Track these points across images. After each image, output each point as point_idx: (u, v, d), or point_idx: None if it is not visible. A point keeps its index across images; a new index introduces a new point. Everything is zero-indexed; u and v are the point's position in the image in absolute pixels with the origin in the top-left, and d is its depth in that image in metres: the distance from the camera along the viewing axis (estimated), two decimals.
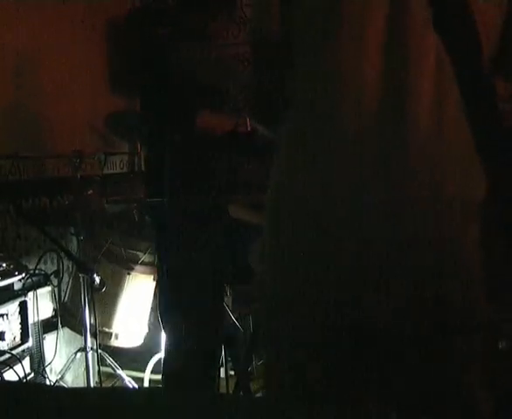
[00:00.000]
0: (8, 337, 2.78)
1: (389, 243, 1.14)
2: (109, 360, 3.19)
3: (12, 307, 2.83)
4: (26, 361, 2.88)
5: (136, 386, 3.24)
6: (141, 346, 3.39)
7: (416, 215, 1.13)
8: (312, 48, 1.24)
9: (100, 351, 3.04)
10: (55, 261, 3.48)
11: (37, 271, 3.15)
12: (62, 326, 3.23)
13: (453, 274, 1.15)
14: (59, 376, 3.20)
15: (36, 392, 1.06)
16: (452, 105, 1.15)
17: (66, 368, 3.19)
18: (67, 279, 3.43)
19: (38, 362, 2.98)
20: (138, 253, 3.24)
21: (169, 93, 2.47)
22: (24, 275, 2.91)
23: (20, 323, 2.88)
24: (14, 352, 2.78)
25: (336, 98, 1.19)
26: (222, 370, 2.90)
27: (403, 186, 1.14)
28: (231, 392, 2.75)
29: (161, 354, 3.09)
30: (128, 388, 3.14)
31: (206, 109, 2.52)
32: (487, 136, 1.15)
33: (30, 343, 2.92)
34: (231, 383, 2.81)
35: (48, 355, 3.13)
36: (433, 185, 1.13)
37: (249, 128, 2.54)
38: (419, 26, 1.15)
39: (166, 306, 2.64)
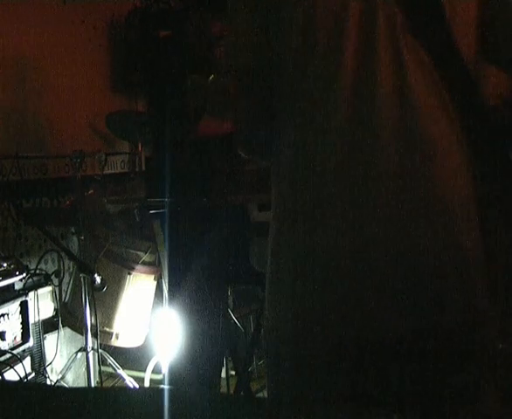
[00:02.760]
0: (9, 337, 2.78)
1: (390, 247, 1.14)
2: (110, 359, 3.19)
3: (13, 307, 2.83)
4: (27, 361, 2.88)
5: (137, 386, 3.25)
6: (141, 346, 3.39)
7: (416, 218, 1.14)
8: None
9: (100, 351, 3.04)
10: (56, 261, 3.49)
11: (37, 271, 3.16)
12: (63, 326, 3.23)
13: (453, 275, 1.15)
14: (60, 376, 3.20)
15: (36, 392, 1.06)
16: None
17: (67, 368, 3.19)
18: (68, 279, 3.43)
19: (39, 362, 2.98)
20: (139, 253, 3.24)
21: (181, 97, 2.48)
22: (24, 275, 2.91)
23: (21, 323, 2.88)
24: (15, 351, 2.78)
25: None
26: (222, 370, 2.91)
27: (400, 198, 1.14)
28: (231, 392, 2.75)
29: (161, 354, 3.09)
30: (128, 387, 3.15)
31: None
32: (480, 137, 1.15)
33: (30, 343, 2.92)
34: (232, 383, 2.82)
35: (49, 355, 3.14)
36: (430, 185, 1.14)
37: None
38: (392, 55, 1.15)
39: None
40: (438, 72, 1.15)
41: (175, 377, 2.63)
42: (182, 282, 2.55)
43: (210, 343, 2.65)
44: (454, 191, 1.15)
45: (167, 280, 2.65)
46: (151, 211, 2.77)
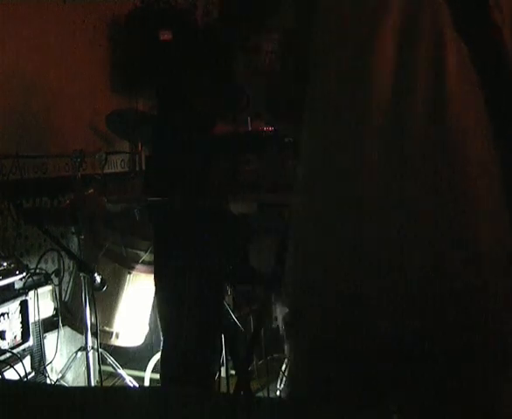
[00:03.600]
0: (9, 336, 2.78)
1: (391, 248, 1.14)
2: (110, 359, 3.19)
3: (13, 306, 2.83)
4: (27, 360, 2.89)
5: (137, 385, 3.25)
6: (141, 346, 3.39)
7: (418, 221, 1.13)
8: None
9: (100, 350, 3.04)
10: (56, 260, 3.49)
11: (37, 271, 3.16)
12: (63, 325, 3.23)
13: (454, 277, 1.14)
14: (60, 375, 3.20)
15: (36, 391, 1.06)
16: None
17: (67, 367, 3.19)
18: (68, 278, 3.43)
19: (39, 361, 2.98)
20: (139, 252, 3.24)
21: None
22: (24, 274, 2.91)
23: (21, 322, 2.88)
24: (15, 351, 2.78)
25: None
26: (222, 370, 2.90)
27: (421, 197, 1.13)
28: (231, 391, 2.75)
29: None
30: (128, 387, 3.15)
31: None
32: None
33: (30, 342, 2.92)
34: (232, 383, 2.81)
35: (49, 354, 3.14)
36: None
37: (249, 128, 2.55)
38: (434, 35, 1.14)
39: (166, 307, 2.64)
40: (478, 73, 1.14)
41: (172, 377, 2.63)
42: (181, 282, 2.55)
43: (208, 343, 2.65)
44: (479, 191, 1.14)
45: (166, 280, 2.65)
46: (151, 211, 2.77)
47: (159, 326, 2.82)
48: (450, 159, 1.14)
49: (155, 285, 2.69)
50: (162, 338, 2.71)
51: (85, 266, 2.81)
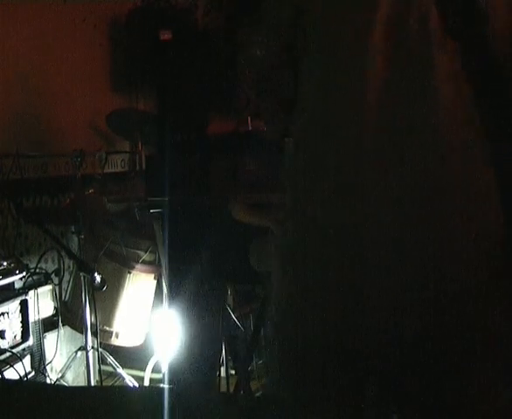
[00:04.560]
0: (8, 335, 2.78)
1: (390, 249, 1.14)
2: (110, 358, 3.19)
3: (13, 306, 2.83)
4: (27, 360, 2.88)
5: (137, 385, 3.24)
6: (141, 345, 3.39)
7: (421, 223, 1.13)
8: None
9: (100, 350, 3.04)
10: (56, 260, 3.49)
11: (37, 270, 3.16)
12: (63, 325, 3.23)
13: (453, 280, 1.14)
14: (60, 375, 3.20)
15: (36, 391, 1.06)
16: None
17: (67, 367, 3.19)
18: (68, 278, 3.43)
19: (39, 361, 2.98)
20: (139, 252, 3.24)
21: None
22: (24, 274, 2.91)
23: (21, 322, 2.88)
24: (15, 350, 2.78)
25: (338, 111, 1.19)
26: (223, 369, 2.91)
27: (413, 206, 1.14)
28: (231, 392, 2.75)
29: (160, 354, 3.09)
30: (128, 386, 3.14)
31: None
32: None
33: (30, 342, 2.92)
34: (232, 383, 2.82)
35: (49, 354, 3.13)
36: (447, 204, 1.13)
37: (250, 128, 2.55)
38: (428, 38, 1.14)
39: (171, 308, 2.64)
40: (468, 80, 1.14)
41: (174, 376, 2.63)
42: (182, 282, 2.55)
43: (208, 343, 2.66)
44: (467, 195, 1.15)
45: (167, 280, 2.65)
46: (151, 210, 2.77)
47: (159, 326, 2.82)
48: (449, 161, 1.14)
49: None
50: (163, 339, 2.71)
51: (85, 266, 2.81)
